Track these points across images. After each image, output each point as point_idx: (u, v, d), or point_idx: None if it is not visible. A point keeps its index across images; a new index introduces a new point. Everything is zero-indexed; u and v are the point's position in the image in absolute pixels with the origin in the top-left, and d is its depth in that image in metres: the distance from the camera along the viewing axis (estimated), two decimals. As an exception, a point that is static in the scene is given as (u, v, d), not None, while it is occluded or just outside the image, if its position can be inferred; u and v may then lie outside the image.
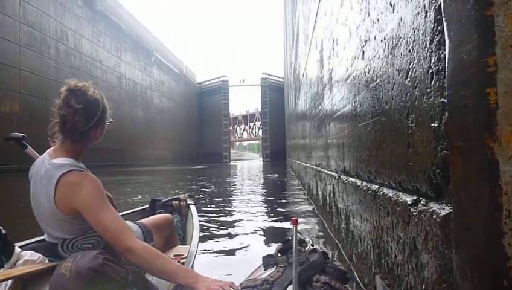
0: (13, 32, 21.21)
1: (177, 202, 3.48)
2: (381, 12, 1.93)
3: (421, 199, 1.47)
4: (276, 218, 5.71)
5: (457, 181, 1.10)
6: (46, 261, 1.82)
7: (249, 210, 6.99)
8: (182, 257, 2.48)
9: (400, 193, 1.72)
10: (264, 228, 5.03)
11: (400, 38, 1.62)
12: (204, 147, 62.22)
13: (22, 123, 19.92)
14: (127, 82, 37.03)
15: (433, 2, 1.25)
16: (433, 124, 1.28)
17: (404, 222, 1.61)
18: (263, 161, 58.41)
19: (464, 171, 1.06)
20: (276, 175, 16.89)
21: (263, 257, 1.92)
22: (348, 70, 2.95)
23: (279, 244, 2.01)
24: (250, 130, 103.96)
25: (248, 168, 31.92)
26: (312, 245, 2.06)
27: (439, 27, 1.22)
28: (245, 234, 4.67)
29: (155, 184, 14.26)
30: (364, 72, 2.38)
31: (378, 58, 2.02)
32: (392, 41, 1.75)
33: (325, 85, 4.70)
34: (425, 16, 1.32)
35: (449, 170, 1.16)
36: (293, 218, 1.72)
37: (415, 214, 1.48)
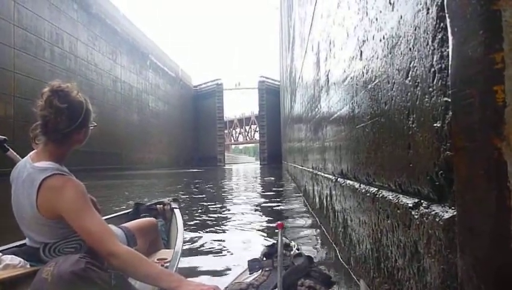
0: (8, 36, 21.09)
1: (161, 206, 3.45)
2: (380, 11, 1.89)
3: (422, 201, 1.43)
4: (269, 221, 5.67)
5: (462, 183, 1.06)
6: (28, 265, 1.79)
7: (242, 211, 6.98)
8: (165, 261, 2.46)
9: (400, 196, 1.68)
10: (255, 231, 4.98)
11: (400, 37, 1.58)
12: (199, 151, 62.04)
13: (17, 127, 19.77)
14: (123, 85, 36.90)
15: (436, -2, 1.21)
16: (435, 124, 1.24)
17: (405, 225, 1.57)
18: (260, 164, 58.17)
19: (469, 173, 1.02)
20: (273, 178, 16.84)
21: (248, 261, 1.93)
22: (346, 71, 2.92)
23: (265, 248, 2.03)
24: (246, 134, 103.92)
25: (244, 171, 31.77)
26: (298, 249, 2.07)
27: (441, 24, 1.18)
28: (233, 237, 4.62)
29: (152, 187, 14.17)
30: (362, 72, 2.34)
31: (377, 58, 1.99)
32: (392, 41, 1.71)
33: (322, 87, 4.67)
34: (427, 13, 1.28)
35: (453, 171, 1.12)
36: (279, 222, 1.75)
37: (416, 217, 1.44)
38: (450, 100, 1.12)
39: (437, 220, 1.24)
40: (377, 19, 1.97)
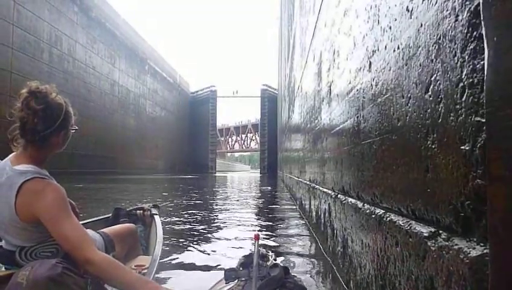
0: (6, 35, 20.93)
1: (141, 211, 3.44)
2: (395, 19, 1.74)
3: (441, 232, 1.27)
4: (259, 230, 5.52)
5: (498, 218, 0.90)
6: (3, 269, 1.78)
7: (229, 219, 6.96)
8: (143, 267, 2.46)
9: (413, 222, 1.52)
10: (239, 242, 4.83)
11: (419, 47, 1.43)
12: (195, 157, 61.70)
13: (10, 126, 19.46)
14: (120, 89, 36.71)
15: (467, 3, 1.06)
16: (463, 147, 1.08)
17: (419, 257, 1.41)
18: (260, 173, 57.85)
19: (508, 207, 0.86)
20: (270, 188, 16.74)
21: (225, 270, 1.95)
22: (351, 83, 2.76)
23: (241, 258, 2.04)
24: (242, 142, 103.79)
25: (239, 180, 31.37)
26: (275, 260, 2.09)
27: (474, 33, 1.03)
28: (214, 246, 4.53)
29: (149, 192, 13.96)
30: (371, 84, 2.18)
31: (389, 70, 1.83)
32: (409, 51, 1.56)
33: (323, 98, 4.52)
34: (455, 21, 1.13)
35: (485, 203, 0.96)
36: (255, 233, 1.79)
37: (433, 249, 1.28)
38: (484, 120, 0.97)
39: (461, 256, 1.08)
40: (390, 28, 1.82)
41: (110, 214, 3.30)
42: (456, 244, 1.13)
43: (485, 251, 0.98)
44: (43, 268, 1.56)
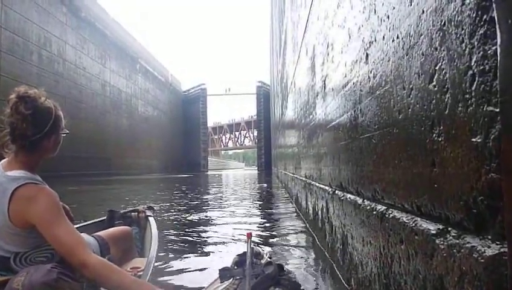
0: (-6, 38, 20.70)
1: (136, 213, 3.42)
2: (393, 8, 1.67)
3: (450, 229, 1.20)
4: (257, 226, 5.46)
5: (517, 215, 0.84)
6: None
7: (224, 218, 6.92)
8: (139, 269, 2.47)
9: (418, 219, 1.45)
10: (235, 240, 4.77)
11: (421, 35, 1.36)
12: (188, 156, 61.48)
13: (1, 131, 19.23)
14: (112, 90, 36.43)
15: (476, -16, 0.99)
16: (474, 139, 1.01)
17: (426, 255, 1.34)
18: (258, 171, 57.85)
19: (528, 203, 0.80)
20: (265, 185, 16.74)
21: (219, 270, 1.99)
22: (347, 76, 2.69)
23: (236, 257, 2.07)
24: (236, 139, 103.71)
25: (234, 180, 31.01)
26: (269, 257, 2.13)
27: (484, 16, 0.96)
28: (209, 246, 4.54)
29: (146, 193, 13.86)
30: (368, 77, 2.11)
31: (388, 60, 1.76)
32: (409, 40, 1.49)
33: (317, 93, 4.45)
34: (462, 4, 1.06)
35: (500, 197, 0.90)
36: (247, 232, 1.83)
37: (442, 247, 1.21)
38: (497, 110, 0.90)
39: (475, 255, 1.01)
40: (388, 17, 1.75)
41: (104, 217, 3.27)
42: (468, 243, 1.06)
43: (502, 250, 0.92)
44: (39, 273, 1.57)
